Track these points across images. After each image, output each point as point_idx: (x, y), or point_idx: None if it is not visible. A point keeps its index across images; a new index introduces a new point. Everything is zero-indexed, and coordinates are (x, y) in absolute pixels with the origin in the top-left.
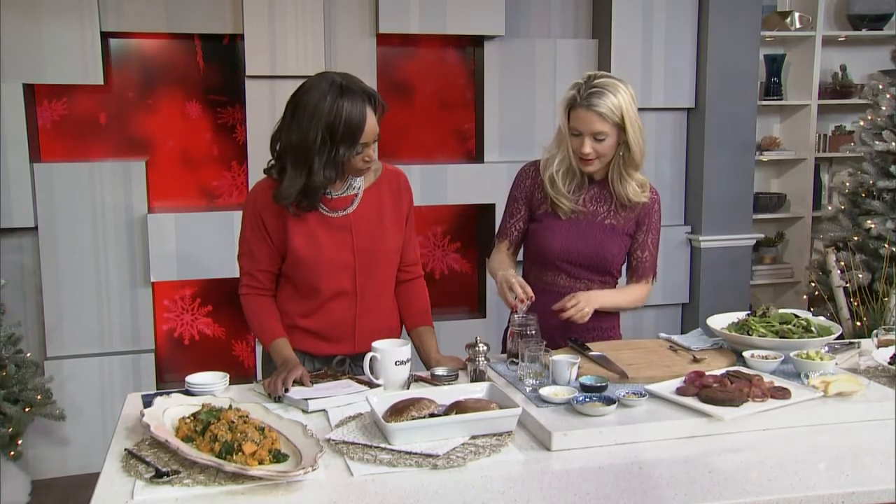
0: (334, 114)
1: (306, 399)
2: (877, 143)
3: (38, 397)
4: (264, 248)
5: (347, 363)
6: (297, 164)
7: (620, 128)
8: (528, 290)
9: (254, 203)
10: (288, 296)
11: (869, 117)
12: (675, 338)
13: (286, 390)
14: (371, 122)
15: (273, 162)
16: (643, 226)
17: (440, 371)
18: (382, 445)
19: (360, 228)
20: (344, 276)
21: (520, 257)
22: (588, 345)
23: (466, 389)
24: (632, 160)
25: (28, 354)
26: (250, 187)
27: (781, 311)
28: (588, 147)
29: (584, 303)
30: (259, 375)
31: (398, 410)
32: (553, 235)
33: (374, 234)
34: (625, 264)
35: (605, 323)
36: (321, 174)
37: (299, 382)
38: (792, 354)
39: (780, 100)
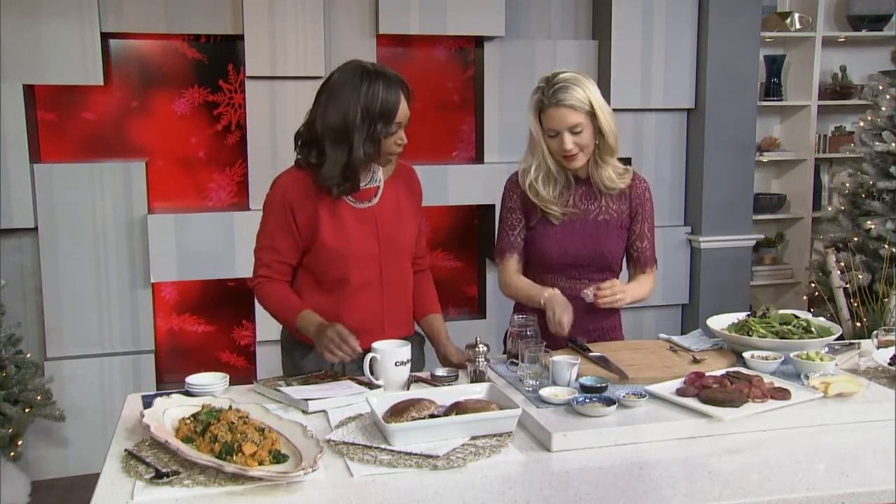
0: (371, 95)
1: (306, 399)
2: (877, 143)
3: (38, 398)
4: (289, 240)
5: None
6: (338, 143)
7: (592, 116)
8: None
9: (282, 195)
10: (313, 292)
11: (869, 118)
12: (675, 338)
13: (355, 351)
14: (404, 104)
15: (302, 152)
16: (637, 216)
17: (440, 372)
18: (382, 446)
19: (383, 219)
20: (371, 267)
21: None
22: (588, 345)
23: (466, 390)
24: (607, 146)
25: (28, 355)
26: (250, 188)
27: (781, 311)
28: (569, 143)
29: (619, 289)
30: (259, 376)
31: (398, 411)
32: (549, 240)
33: (395, 225)
34: (624, 258)
35: (606, 323)
36: (361, 151)
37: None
38: (792, 355)
39: (780, 100)
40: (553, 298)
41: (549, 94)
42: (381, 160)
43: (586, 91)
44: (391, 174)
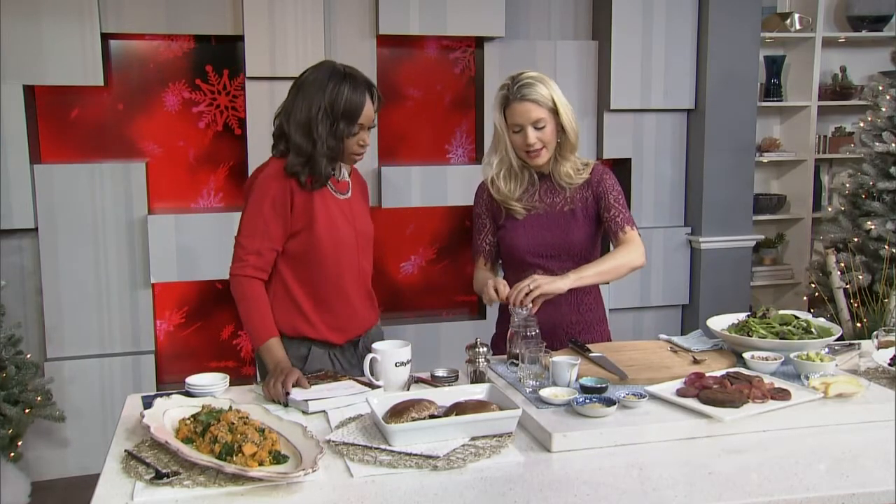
0: (336, 93)
1: (307, 400)
2: (877, 144)
3: (38, 399)
4: (281, 223)
5: (361, 345)
6: (302, 136)
7: (555, 112)
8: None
9: (279, 180)
10: (306, 281)
11: (869, 118)
12: (676, 339)
13: (287, 394)
14: (369, 108)
15: (275, 143)
16: (600, 194)
17: (440, 372)
18: (382, 447)
19: (356, 212)
20: (353, 257)
21: None
22: (588, 346)
23: (466, 391)
24: (568, 143)
25: (28, 356)
26: None
27: (781, 312)
28: (532, 137)
29: (525, 285)
30: (259, 377)
31: (398, 412)
32: (518, 235)
33: (364, 217)
34: (598, 245)
35: (590, 316)
36: (324, 145)
37: (296, 385)
38: (792, 356)
39: (780, 101)
40: (496, 279)
41: (514, 91)
42: (343, 158)
43: (549, 89)
44: (351, 171)
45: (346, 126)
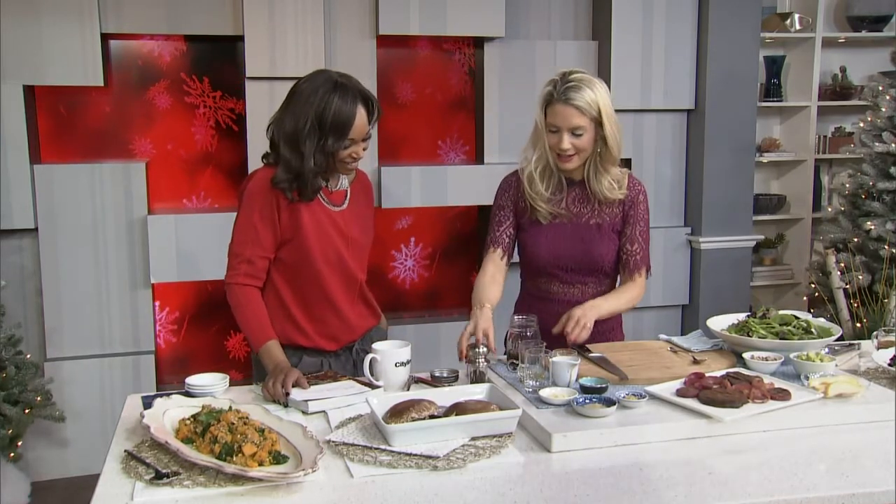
0: (324, 106)
1: (307, 400)
2: (877, 144)
3: (38, 399)
4: (271, 232)
5: (356, 350)
6: (291, 150)
7: (598, 122)
8: (489, 343)
9: (265, 192)
10: (296, 290)
11: (869, 119)
12: (675, 339)
13: (287, 394)
14: (361, 120)
15: (269, 150)
16: (630, 218)
17: (440, 372)
18: (382, 447)
19: (352, 222)
20: (342, 267)
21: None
22: (588, 346)
23: (466, 391)
24: (609, 155)
25: (28, 356)
26: None
27: (781, 312)
28: (566, 142)
29: (579, 316)
30: (255, 381)
31: (398, 412)
32: (539, 242)
33: (362, 228)
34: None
35: (605, 325)
36: (311, 161)
37: (296, 385)
38: (792, 356)
39: (780, 101)
40: (476, 313)
41: (560, 90)
42: (337, 169)
43: (598, 95)
44: (354, 178)
45: (335, 141)
